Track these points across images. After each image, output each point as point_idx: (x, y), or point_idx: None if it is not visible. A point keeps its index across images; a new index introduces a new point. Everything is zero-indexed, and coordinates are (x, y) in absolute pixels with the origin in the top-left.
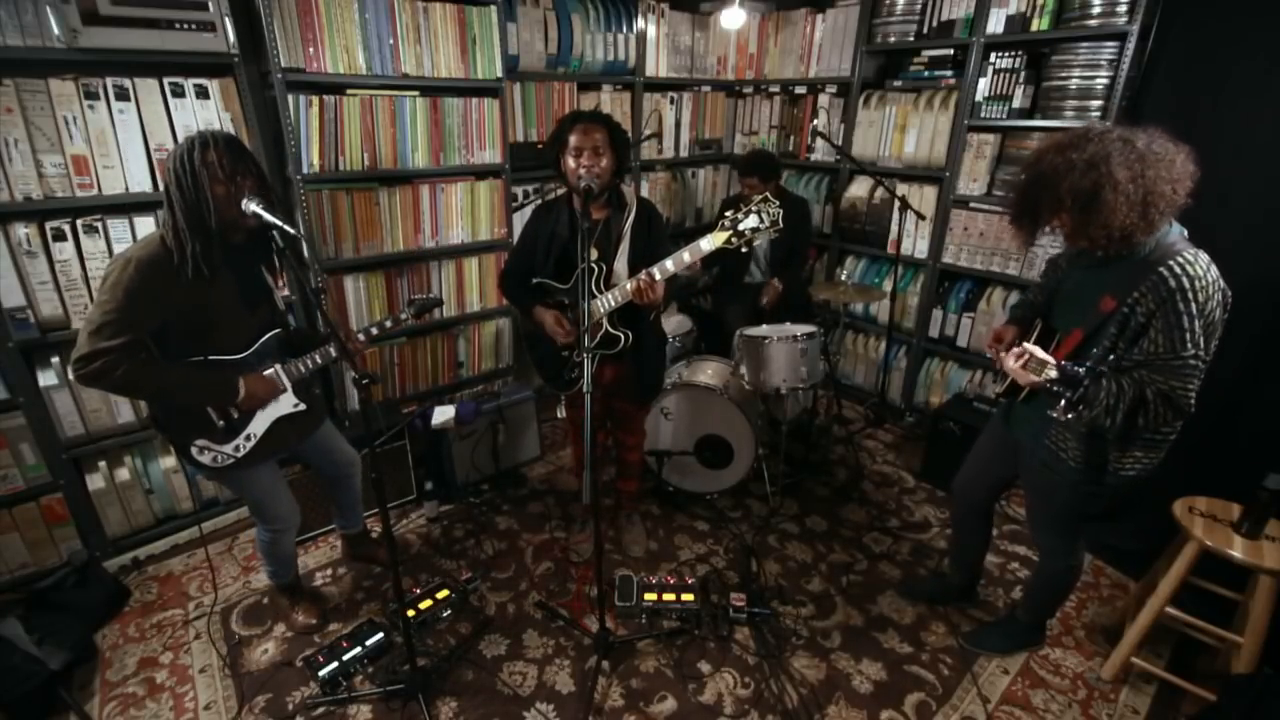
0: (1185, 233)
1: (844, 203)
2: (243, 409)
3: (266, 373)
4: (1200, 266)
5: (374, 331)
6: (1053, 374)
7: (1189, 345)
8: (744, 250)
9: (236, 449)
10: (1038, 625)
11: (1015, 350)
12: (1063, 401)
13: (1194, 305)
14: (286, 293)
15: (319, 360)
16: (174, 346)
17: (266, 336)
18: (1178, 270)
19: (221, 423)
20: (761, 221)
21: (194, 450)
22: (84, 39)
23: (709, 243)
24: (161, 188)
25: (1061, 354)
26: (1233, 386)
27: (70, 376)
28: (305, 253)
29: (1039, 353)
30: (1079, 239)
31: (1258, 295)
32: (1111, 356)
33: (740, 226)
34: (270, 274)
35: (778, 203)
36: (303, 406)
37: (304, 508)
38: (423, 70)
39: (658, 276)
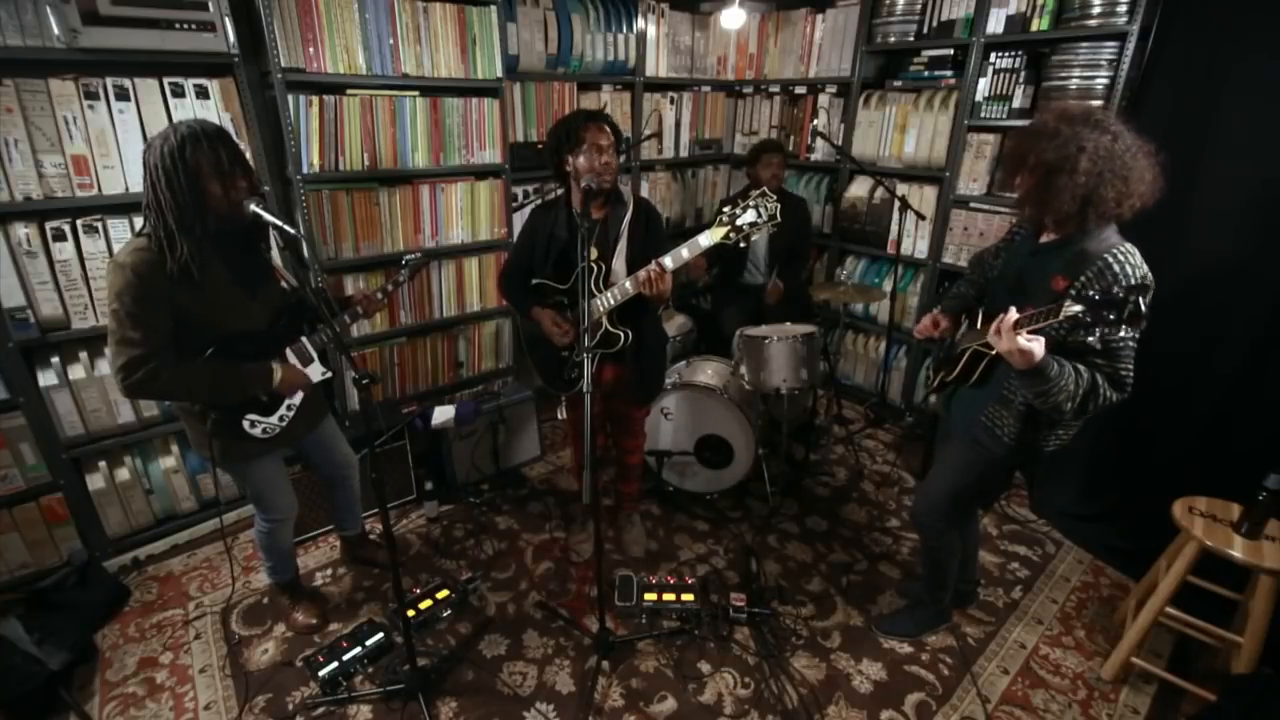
0: (1115, 229)
1: (844, 203)
2: (278, 393)
3: (293, 348)
4: (1137, 257)
5: (379, 296)
6: (1075, 309)
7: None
8: (743, 245)
9: (281, 419)
10: (944, 608)
11: (1010, 320)
12: (1039, 380)
13: None
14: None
15: (336, 328)
16: (193, 338)
17: (286, 311)
18: (1121, 258)
19: (265, 397)
20: (759, 215)
21: (245, 424)
22: (84, 39)
23: (707, 238)
24: (146, 186)
25: None
26: (1233, 387)
27: (123, 394)
28: (305, 253)
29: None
30: (1025, 205)
31: (1258, 296)
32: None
33: (738, 221)
34: (264, 247)
35: (775, 197)
36: (330, 374)
37: (304, 508)
38: (423, 70)
39: (669, 265)
